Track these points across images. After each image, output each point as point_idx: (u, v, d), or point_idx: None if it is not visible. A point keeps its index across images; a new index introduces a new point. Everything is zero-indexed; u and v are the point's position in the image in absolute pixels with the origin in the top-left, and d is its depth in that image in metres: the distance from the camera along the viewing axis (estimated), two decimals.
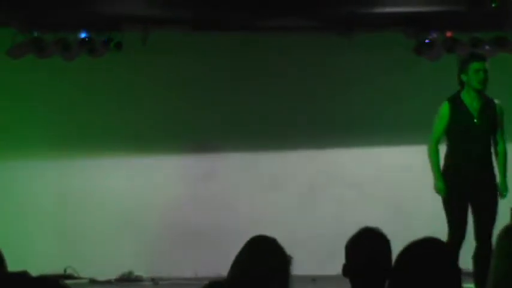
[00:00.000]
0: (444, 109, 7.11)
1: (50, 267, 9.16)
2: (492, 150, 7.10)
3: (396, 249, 3.19)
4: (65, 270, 9.55)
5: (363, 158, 9.93)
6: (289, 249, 3.53)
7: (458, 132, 7.07)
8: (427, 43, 9.40)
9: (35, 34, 9.18)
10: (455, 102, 7.10)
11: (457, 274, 2.96)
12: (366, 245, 3.62)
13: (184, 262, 9.62)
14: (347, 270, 3.63)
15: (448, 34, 9.39)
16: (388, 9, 9.04)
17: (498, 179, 7.11)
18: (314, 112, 9.90)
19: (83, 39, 9.24)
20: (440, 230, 7.11)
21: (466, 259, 8.27)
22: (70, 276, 9.40)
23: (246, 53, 9.88)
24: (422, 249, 2.99)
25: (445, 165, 7.12)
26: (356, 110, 9.86)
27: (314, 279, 9.08)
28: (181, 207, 9.82)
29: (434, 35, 9.39)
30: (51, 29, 9.20)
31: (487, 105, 7.09)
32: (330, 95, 9.80)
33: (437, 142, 7.15)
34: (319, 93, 9.83)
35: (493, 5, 8.81)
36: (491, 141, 7.10)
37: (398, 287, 2.96)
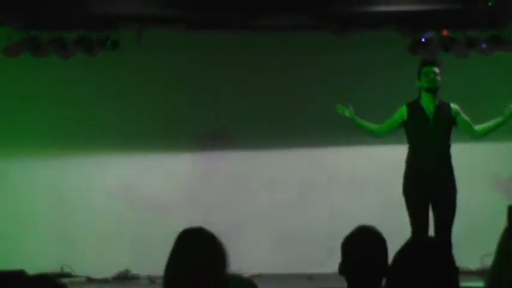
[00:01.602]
0: (401, 110, 7.48)
1: (47, 265, 9.15)
2: (450, 151, 7.34)
3: (393, 248, 3.19)
4: (61, 269, 9.55)
5: (360, 156, 9.93)
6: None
7: (415, 134, 7.39)
8: (422, 42, 9.40)
9: (32, 33, 9.18)
10: (414, 106, 7.43)
11: (455, 273, 2.96)
12: (362, 244, 3.63)
13: None
14: (343, 268, 3.64)
15: (444, 33, 9.40)
16: (383, 8, 9.04)
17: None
18: (310, 110, 9.90)
19: (79, 37, 9.25)
20: None
21: (467, 259, 8.35)
22: (67, 275, 9.38)
23: (242, 52, 9.88)
24: (420, 249, 2.99)
25: (406, 167, 7.45)
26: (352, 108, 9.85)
27: (310, 277, 9.08)
28: (178, 205, 9.82)
29: (430, 34, 9.39)
30: (48, 27, 9.20)
31: (441, 108, 7.38)
32: (326, 93, 9.80)
33: (382, 132, 7.61)
34: (316, 92, 9.82)
35: (489, 4, 8.83)
36: (449, 143, 7.35)
37: (396, 286, 2.96)
